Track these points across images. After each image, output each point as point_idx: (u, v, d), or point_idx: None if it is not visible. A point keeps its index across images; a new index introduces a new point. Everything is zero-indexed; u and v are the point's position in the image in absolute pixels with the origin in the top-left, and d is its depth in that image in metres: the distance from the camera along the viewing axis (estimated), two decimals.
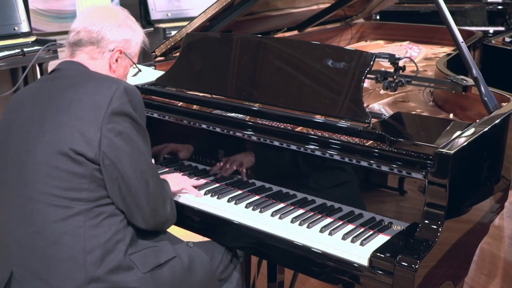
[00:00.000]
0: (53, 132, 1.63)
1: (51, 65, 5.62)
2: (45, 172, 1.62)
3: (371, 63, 1.94)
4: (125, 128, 1.65)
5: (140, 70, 2.02)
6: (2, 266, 1.73)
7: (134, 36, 1.90)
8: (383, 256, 1.63)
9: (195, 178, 2.15)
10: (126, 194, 1.67)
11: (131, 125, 1.67)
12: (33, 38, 5.22)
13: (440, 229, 1.63)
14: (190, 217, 2.02)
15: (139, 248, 1.73)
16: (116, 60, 1.86)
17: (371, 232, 1.76)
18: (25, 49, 3.00)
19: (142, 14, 6.37)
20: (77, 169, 1.61)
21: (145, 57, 3.16)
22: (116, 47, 1.84)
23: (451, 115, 2.28)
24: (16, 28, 5.12)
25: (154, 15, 6.27)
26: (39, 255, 1.63)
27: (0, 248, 1.75)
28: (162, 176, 1.95)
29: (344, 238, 1.74)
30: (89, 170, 1.62)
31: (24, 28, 5.20)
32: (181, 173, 2.17)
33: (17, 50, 3.02)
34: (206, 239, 2.05)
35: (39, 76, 5.42)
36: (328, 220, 1.86)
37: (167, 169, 2.24)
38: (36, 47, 4.44)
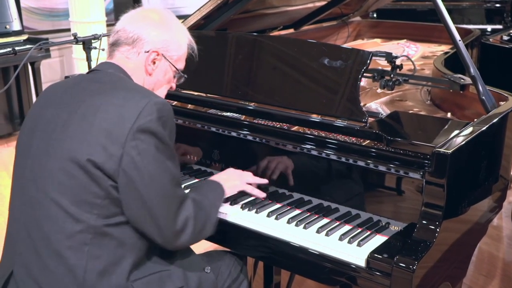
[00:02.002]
0: (75, 140, 1.57)
1: (43, 64, 5.62)
2: (60, 179, 1.57)
3: (368, 61, 1.93)
4: (149, 147, 1.56)
5: (184, 77, 1.88)
6: (4, 262, 1.70)
7: (174, 37, 1.80)
8: (380, 257, 1.62)
9: (197, 180, 2.13)
10: (145, 215, 1.59)
11: (156, 144, 1.57)
12: (25, 37, 5.21)
13: (438, 230, 1.62)
14: None
15: (146, 273, 1.65)
16: (153, 62, 1.77)
17: (368, 233, 1.75)
18: (16, 48, 2.97)
19: None
20: (93, 183, 1.54)
21: None
22: (152, 48, 1.75)
23: (449, 114, 2.27)
24: (7, 26, 5.11)
25: None
26: (41, 263, 1.59)
27: (6, 242, 1.72)
28: (217, 176, 1.91)
29: (341, 238, 1.73)
30: (105, 186, 1.55)
31: (16, 26, 5.19)
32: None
33: (8, 49, 2.99)
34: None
35: (31, 75, 5.42)
36: (325, 220, 1.84)
37: None
38: (28, 46, 4.43)
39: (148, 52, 1.75)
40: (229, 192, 1.89)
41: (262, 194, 1.94)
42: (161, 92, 1.85)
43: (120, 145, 1.53)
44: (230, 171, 1.98)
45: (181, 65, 1.86)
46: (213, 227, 1.76)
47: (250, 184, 1.96)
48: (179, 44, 1.82)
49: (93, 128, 1.56)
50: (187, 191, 1.93)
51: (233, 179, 1.93)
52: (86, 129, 1.57)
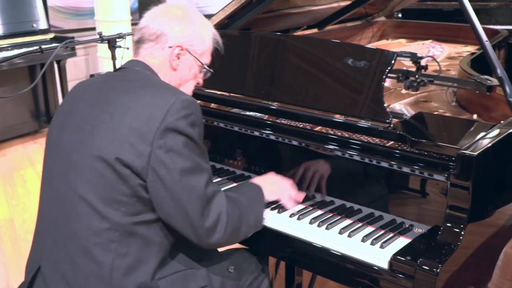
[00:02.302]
0: (104, 138, 1.58)
1: (69, 62, 5.68)
2: (89, 177, 1.58)
3: (392, 62, 1.91)
4: (177, 145, 1.56)
5: (210, 71, 1.88)
6: (33, 257, 1.72)
7: (198, 31, 1.80)
8: (403, 259, 1.61)
9: (219, 178, 2.13)
10: (177, 213, 1.58)
11: (184, 142, 1.57)
12: (51, 35, 5.29)
13: (462, 233, 1.60)
14: None
15: (170, 271, 1.66)
16: (178, 57, 1.78)
17: (391, 235, 1.73)
18: (43, 46, 2.99)
19: None
20: (120, 181, 1.55)
21: None
22: (175, 43, 1.76)
23: (475, 116, 2.23)
24: (34, 25, 5.18)
25: None
26: (69, 259, 1.60)
27: (35, 237, 1.73)
28: (258, 179, 1.89)
29: (363, 240, 1.71)
30: (133, 184, 1.56)
31: (42, 25, 5.26)
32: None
33: (35, 47, 3.01)
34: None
35: (57, 74, 5.48)
36: (348, 221, 1.83)
37: None
38: (54, 44, 4.47)
39: (171, 47, 1.76)
40: (268, 197, 1.86)
41: (296, 206, 1.89)
42: (188, 88, 1.85)
43: (149, 144, 1.54)
44: (272, 177, 1.95)
45: (206, 59, 1.85)
46: (250, 228, 1.74)
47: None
48: (203, 38, 1.82)
49: (122, 126, 1.57)
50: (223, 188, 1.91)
51: (273, 185, 1.90)
52: (115, 128, 1.58)
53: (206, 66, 1.86)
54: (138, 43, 1.79)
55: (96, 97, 1.69)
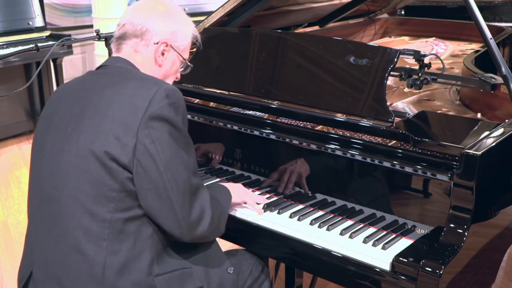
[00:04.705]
0: (89, 134, 1.57)
1: (65, 60, 5.65)
2: (76, 175, 1.56)
3: (395, 60, 1.89)
4: (162, 134, 1.55)
5: (191, 66, 1.90)
6: (25, 263, 1.71)
7: (182, 28, 1.80)
8: (406, 260, 1.59)
9: (218, 179, 2.12)
10: (161, 205, 1.57)
11: (169, 131, 1.56)
12: (47, 33, 5.27)
13: (466, 234, 1.59)
14: None
15: (168, 269, 1.64)
16: (162, 54, 1.78)
17: (393, 236, 1.72)
18: (39, 44, 2.96)
19: None
20: (108, 176, 1.54)
21: None
22: (161, 39, 1.76)
23: (479, 115, 2.22)
24: (30, 22, 5.16)
25: None
26: (61, 260, 1.58)
27: (26, 243, 1.72)
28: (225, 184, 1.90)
29: (365, 241, 1.70)
30: (120, 178, 1.54)
31: (39, 22, 5.25)
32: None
33: (31, 45, 2.99)
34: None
35: (53, 72, 5.46)
36: (349, 222, 1.81)
37: None
38: (50, 42, 4.47)
39: (157, 43, 1.75)
40: (235, 199, 1.88)
41: (260, 211, 1.90)
42: (169, 83, 1.84)
43: (133, 135, 1.53)
44: (234, 184, 1.99)
45: (187, 55, 1.86)
46: (225, 224, 1.76)
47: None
48: (185, 34, 1.82)
49: (106, 120, 1.56)
50: None
51: (237, 189, 1.92)
52: (99, 122, 1.57)
53: (187, 62, 1.87)
54: (121, 39, 1.78)
55: (77, 96, 1.67)
